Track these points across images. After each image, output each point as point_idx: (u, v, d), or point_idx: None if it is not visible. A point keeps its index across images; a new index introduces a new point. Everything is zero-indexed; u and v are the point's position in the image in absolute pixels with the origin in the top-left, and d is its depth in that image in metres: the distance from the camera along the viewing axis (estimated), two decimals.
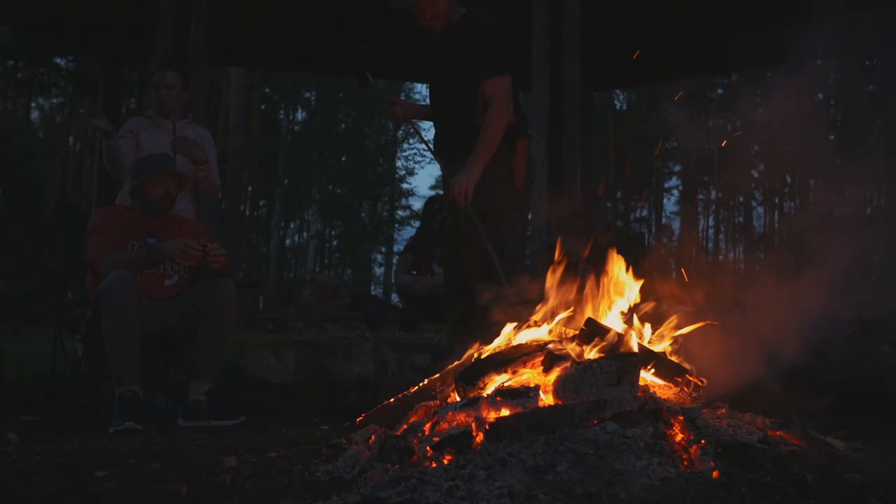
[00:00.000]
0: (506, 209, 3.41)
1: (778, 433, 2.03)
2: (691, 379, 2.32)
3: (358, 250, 30.95)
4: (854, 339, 3.76)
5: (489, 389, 2.15)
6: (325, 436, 2.77)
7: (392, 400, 2.42)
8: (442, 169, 3.64)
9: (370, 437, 2.20)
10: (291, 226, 31.53)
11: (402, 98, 3.95)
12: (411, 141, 30.13)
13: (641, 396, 2.04)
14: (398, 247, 29.12)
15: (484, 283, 3.16)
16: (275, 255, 26.01)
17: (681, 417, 2.00)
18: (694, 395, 2.25)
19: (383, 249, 31.66)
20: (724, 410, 2.14)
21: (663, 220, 30.22)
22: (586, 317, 2.39)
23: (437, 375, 2.43)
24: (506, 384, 2.18)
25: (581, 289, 2.52)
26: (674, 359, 2.39)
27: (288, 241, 31.28)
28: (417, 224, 5.80)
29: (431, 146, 3.66)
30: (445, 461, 1.85)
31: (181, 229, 3.65)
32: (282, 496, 1.85)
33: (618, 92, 25.77)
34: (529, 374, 2.22)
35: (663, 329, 2.47)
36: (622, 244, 3.64)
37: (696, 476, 1.77)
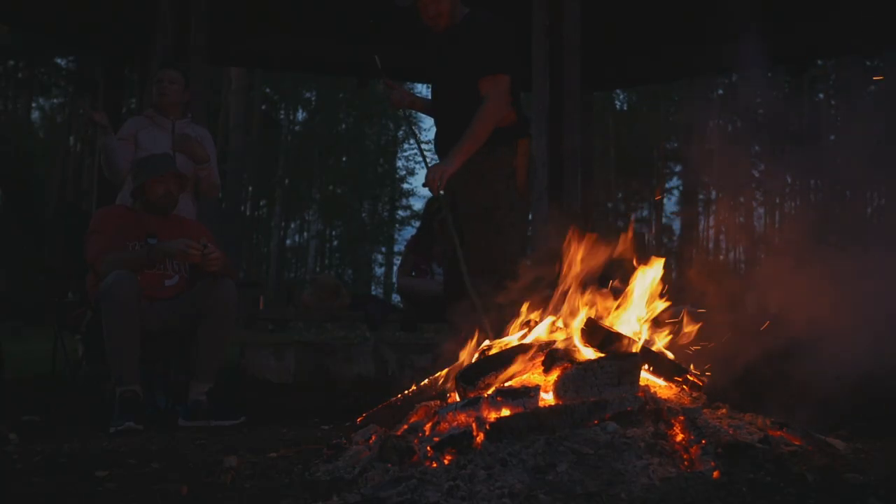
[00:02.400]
0: (506, 209, 3.41)
1: (778, 433, 2.03)
2: (691, 378, 2.32)
3: (358, 250, 30.96)
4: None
5: (490, 389, 2.15)
6: (326, 436, 2.77)
7: (392, 400, 2.42)
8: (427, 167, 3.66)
9: (370, 437, 2.20)
10: (292, 226, 31.54)
11: None
12: (411, 141, 30.15)
13: (642, 396, 2.04)
14: (398, 247, 29.12)
15: (481, 281, 3.16)
16: (275, 255, 26.01)
17: (681, 417, 2.00)
18: (694, 394, 2.25)
19: (383, 249, 31.66)
20: (724, 410, 2.14)
21: (663, 221, 30.21)
22: (587, 317, 2.39)
23: (438, 375, 2.43)
24: (506, 384, 2.18)
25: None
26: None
27: (288, 241, 31.29)
28: (418, 224, 5.81)
29: (424, 150, 3.68)
30: (446, 461, 1.85)
31: (182, 229, 3.65)
32: (282, 496, 1.85)
33: (618, 92, 25.76)
34: (530, 374, 2.23)
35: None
36: None
37: (696, 476, 1.77)
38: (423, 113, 3.81)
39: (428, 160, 3.53)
